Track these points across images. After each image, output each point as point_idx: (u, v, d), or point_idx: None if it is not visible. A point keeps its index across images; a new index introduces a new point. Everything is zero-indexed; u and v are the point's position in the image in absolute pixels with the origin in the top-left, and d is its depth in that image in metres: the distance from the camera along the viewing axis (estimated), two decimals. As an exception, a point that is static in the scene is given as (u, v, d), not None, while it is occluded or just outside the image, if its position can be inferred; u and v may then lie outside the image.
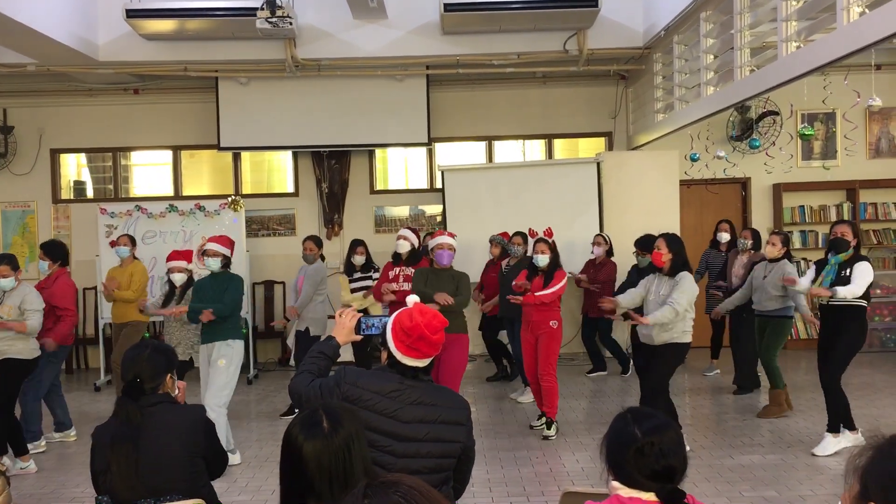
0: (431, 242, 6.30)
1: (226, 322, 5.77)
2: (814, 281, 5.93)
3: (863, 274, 5.65)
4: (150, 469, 2.83)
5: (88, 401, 8.22)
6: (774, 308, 6.77)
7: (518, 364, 7.61)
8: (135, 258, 7.41)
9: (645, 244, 6.87)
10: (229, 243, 6.05)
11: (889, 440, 1.56)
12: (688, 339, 5.67)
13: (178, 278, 6.29)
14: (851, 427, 5.83)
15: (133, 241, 7.45)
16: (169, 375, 3.03)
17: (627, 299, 5.91)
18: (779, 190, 10.12)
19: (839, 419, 5.78)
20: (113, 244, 7.61)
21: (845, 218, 9.64)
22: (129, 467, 2.80)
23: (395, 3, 8.61)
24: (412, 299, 2.76)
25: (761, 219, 10.09)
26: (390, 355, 2.68)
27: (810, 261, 7.05)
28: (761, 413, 6.84)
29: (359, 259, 7.85)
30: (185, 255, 6.39)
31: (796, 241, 9.97)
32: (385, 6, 8.36)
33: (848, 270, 5.72)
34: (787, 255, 6.81)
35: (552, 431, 6.34)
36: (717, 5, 6.98)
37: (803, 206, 10.22)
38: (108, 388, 8.77)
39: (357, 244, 7.95)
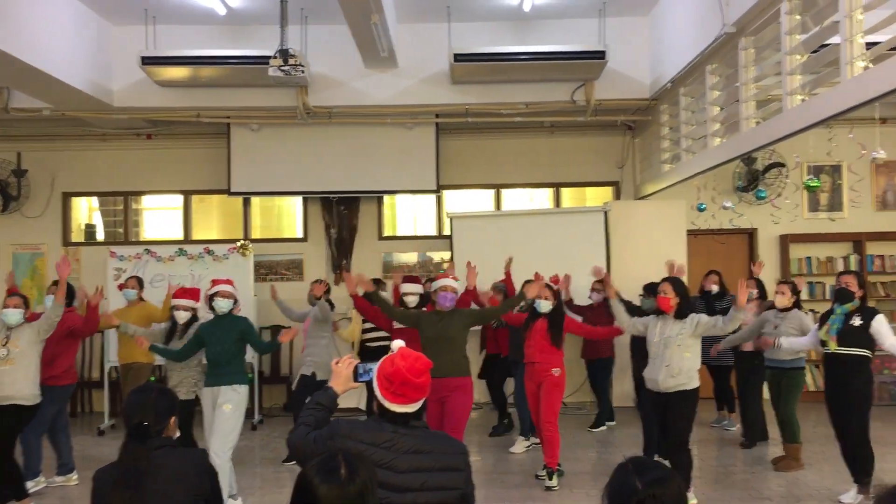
0: (434, 285, 6.17)
1: (231, 366, 5.76)
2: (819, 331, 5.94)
3: (886, 326, 5.75)
4: (151, 513, 2.81)
5: (91, 444, 8.16)
6: (788, 359, 6.73)
7: (521, 412, 7.56)
8: (142, 300, 7.45)
9: (651, 288, 6.87)
10: (233, 285, 6.09)
11: (890, 490, 1.55)
12: (695, 384, 5.59)
13: (182, 316, 6.21)
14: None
15: (141, 284, 7.53)
16: (172, 418, 3.04)
17: (627, 318, 6.02)
18: (786, 241, 10.13)
19: (868, 472, 5.63)
20: (121, 287, 7.64)
21: (852, 269, 9.61)
22: (131, 511, 2.78)
23: (406, 53, 8.78)
24: (397, 344, 2.74)
25: (769, 269, 10.03)
26: (379, 404, 2.65)
27: (817, 312, 7.01)
28: (780, 466, 6.73)
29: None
30: (193, 294, 6.34)
31: (804, 293, 9.91)
32: (396, 56, 8.50)
33: (857, 320, 5.72)
34: (797, 305, 6.77)
35: (554, 482, 6.25)
36: (723, 59, 7.07)
37: (810, 258, 10.21)
38: (112, 431, 8.72)
39: (377, 282, 7.94)
